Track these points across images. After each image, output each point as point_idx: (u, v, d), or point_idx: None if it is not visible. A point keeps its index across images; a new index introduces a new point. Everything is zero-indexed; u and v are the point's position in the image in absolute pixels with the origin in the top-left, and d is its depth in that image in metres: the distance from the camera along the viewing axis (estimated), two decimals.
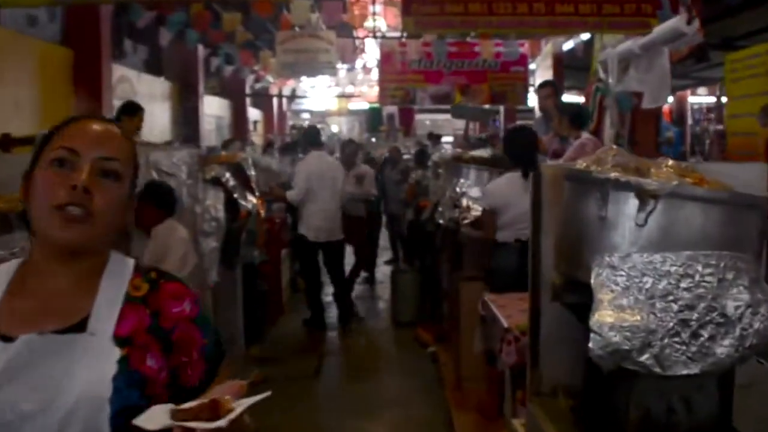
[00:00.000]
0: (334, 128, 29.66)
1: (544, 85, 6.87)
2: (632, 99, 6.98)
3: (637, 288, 2.26)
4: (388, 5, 15.33)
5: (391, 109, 23.14)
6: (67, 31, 11.62)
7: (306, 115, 27.60)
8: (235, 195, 5.77)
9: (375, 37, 16.32)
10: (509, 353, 3.56)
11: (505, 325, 3.66)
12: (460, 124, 24.85)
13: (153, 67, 16.00)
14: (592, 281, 2.32)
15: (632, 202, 2.30)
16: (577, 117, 5.91)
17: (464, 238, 5.62)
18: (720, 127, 16.12)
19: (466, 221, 5.48)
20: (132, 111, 7.48)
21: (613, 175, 2.36)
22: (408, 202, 8.94)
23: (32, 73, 10.22)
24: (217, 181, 5.74)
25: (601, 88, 7.68)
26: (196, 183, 5.58)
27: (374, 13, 15.82)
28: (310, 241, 7.73)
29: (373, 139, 23.46)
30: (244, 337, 6.82)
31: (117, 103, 13.53)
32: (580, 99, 18.86)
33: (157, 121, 15.50)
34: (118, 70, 13.73)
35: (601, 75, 7.60)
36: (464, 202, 5.51)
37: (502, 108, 20.49)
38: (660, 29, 5.74)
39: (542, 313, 3.01)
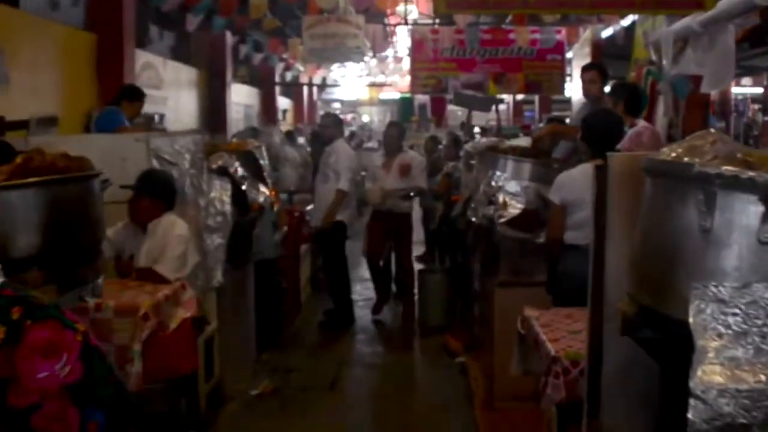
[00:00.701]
0: (365, 118, 29.09)
1: (589, 68, 6.08)
2: (689, 84, 6.18)
3: (760, 334, 1.54)
4: None
5: (423, 98, 22.36)
6: (90, 15, 11.12)
7: (337, 105, 26.92)
8: (244, 186, 5.09)
9: (406, 23, 15.58)
10: (556, 388, 2.82)
11: (552, 352, 2.92)
12: (493, 114, 24.10)
13: (180, 54, 15.41)
14: (690, 319, 1.60)
15: (753, 210, 1.58)
16: (633, 101, 5.12)
17: (500, 238, 4.89)
18: None
19: (503, 219, 4.73)
20: (132, 96, 6.82)
21: (724, 169, 1.62)
22: (439, 195, 8.24)
23: (53, 58, 9.69)
24: (224, 171, 5.06)
25: (653, 71, 6.85)
26: (200, 173, 4.91)
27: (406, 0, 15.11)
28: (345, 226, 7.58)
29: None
30: (257, 342, 6.15)
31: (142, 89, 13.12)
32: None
33: (184, 108, 14.93)
34: (143, 57, 13.16)
35: (653, 57, 6.78)
36: (501, 197, 4.76)
37: (537, 97, 19.68)
38: (725, 2, 4.96)
39: (605, 347, 2.27)
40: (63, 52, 9.87)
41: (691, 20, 5.62)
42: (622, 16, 12.33)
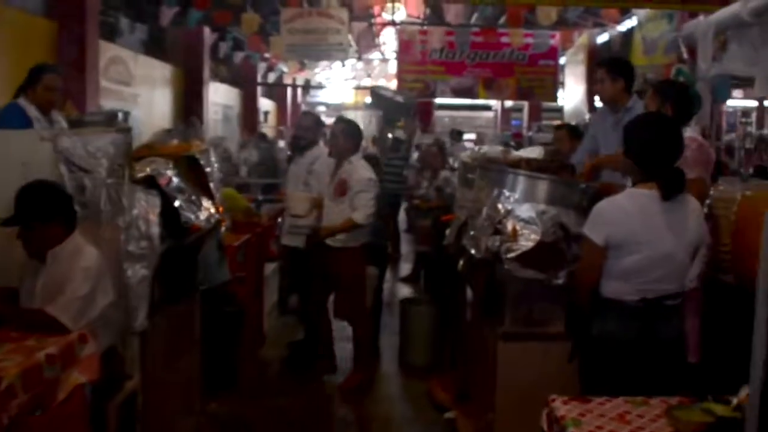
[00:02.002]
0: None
1: (610, 65, 4.83)
2: (731, 86, 4.99)
3: None
4: None
5: None
6: (50, 1, 9.86)
7: (321, 108, 25.59)
8: (178, 202, 3.82)
9: (393, 24, 14.36)
10: None
11: None
12: (483, 120, 22.94)
13: (154, 49, 14.12)
14: None
15: None
16: (683, 104, 3.84)
17: (507, 277, 3.66)
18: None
19: (511, 254, 3.50)
20: (31, 80, 5.07)
21: None
22: (427, 211, 7.01)
23: (8, 47, 8.60)
24: (152, 183, 3.79)
25: (684, 71, 5.62)
26: (121, 183, 3.64)
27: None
28: None
29: (390, 135, 21.47)
30: (203, 388, 4.88)
31: (108, 84, 11.84)
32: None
33: (157, 107, 13.64)
34: (111, 50, 11.89)
35: (684, 54, 5.57)
36: (509, 225, 3.53)
37: (526, 105, 18.49)
38: None
39: None
40: (19, 41, 8.79)
41: (739, 8, 4.43)
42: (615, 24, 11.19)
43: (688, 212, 3.09)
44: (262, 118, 19.39)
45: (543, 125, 16.45)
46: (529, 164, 3.67)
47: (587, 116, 12.90)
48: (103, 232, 3.55)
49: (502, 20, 14.69)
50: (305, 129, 6.59)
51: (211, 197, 4.30)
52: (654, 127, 3.12)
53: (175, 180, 3.96)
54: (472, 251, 3.71)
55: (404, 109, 10.39)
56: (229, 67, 17.72)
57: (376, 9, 14.47)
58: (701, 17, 5.19)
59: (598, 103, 16.20)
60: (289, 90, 22.24)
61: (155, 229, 3.68)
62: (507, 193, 3.63)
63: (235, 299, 5.39)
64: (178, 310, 4.38)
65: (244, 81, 17.95)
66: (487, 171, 3.83)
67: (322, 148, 6.40)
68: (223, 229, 4.43)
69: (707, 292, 3.72)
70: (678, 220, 3.04)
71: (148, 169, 3.86)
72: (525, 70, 14.49)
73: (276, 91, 21.35)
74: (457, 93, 14.73)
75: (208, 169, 4.37)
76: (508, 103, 20.09)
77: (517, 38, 13.06)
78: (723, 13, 4.72)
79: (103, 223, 3.55)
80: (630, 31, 12.86)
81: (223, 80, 17.72)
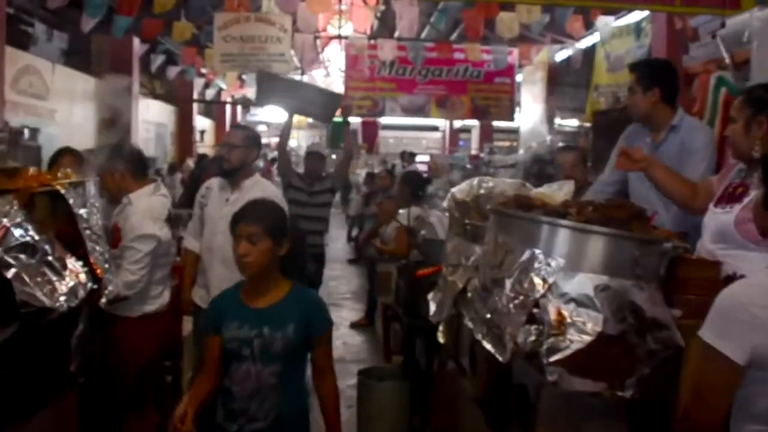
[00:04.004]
0: (293, 143, 25.98)
1: (642, 70, 3.47)
2: None
3: None
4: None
5: (354, 123, 19.73)
6: None
7: (262, 128, 23.94)
8: (13, 271, 2.30)
9: (340, 37, 12.94)
10: None
11: None
12: (431, 141, 21.62)
13: (75, 59, 12.45)
14: None
15: None
16: None
17: (548, 391, 2.25)
18: None
19: (556, 356, 2.08)
20: None
21: None
22: (392, 255, 5.57)
23: None
24: None
25: (725, 79, 4.29)
26: None
27: (340, 11, 12.45)
28: None
29: (334, 156, 19.97)
30: None
31: (18, 98, 10.19)
32: (573, 123, 15.72)
33: (78, 124, 11.95)
34: (23, 59, 10.25)
35: (726, 57, 4.25)
36: (551, 308, 2.12)
37: (478, 125, 17.21)
38: None
39: None
40: None
41: None
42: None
43: None
44: (198, 137, 17.75)
45: (495, 147, 15.19)
46: (583, 211, 2.26)
47: (548, 138, 11.67)
48: None
49: (455, 35, 13.44)
50: (234, 147, 4.40)
51: (83, 254, 2.77)
52: None
53: (17, 232, 2.43)
54: (491, 348, 2.28)
55: (326, 107, 5.99)
56: (162, 82, 16.09)
57: (321, 23, 13.07)
58: (755, 10, 3.88)
59: (567, 123, 14.92)
60: (228, 108, 20.59)
61: None
62: (544, 256, 2.20)
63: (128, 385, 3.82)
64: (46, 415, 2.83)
65: (178, 97, 16.29)
66: (507, 220, 2.40)
67: (259, 180, 4.53)
68: (103, 300, 2.90)
69: None
70: None
71: None
72: (480, 88, 13.26)
73: (214, 109, 19.70)
74: (408, 111, 13.40)
75: (82, 211, 2.84)
76: (457, 124, 18.82)
77: (474, 53, 11.77)
78: None
79: None
80: (592, 48, 11.76)
81: (155, 96, 16.09)
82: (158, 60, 14.21)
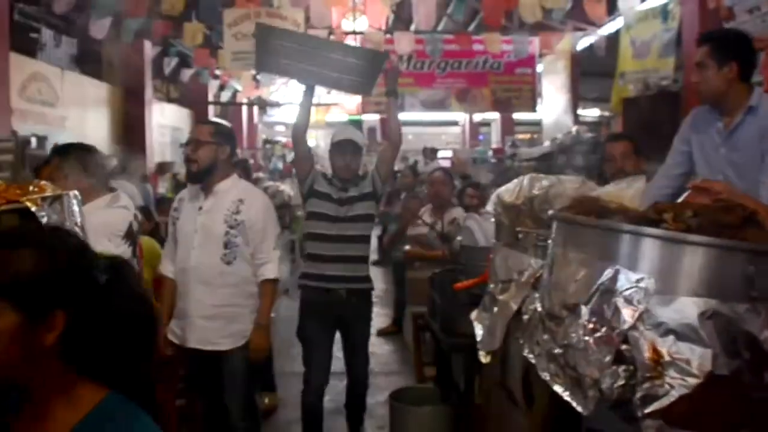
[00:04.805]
0: (311, 142, 25.40)
1: (715, 42, 2.96)
2: None
3: None
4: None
5: (372, 121, 19.24)
6: None
7: (280, 128, 23.53)
8: None
9: (355, 33, 12.44)
10: None
11: None
12: (450, 136, 21.08)
13: (86, 65, 12.05)
14: None
15: None
16: None
17: None
18: None
19: (654, 405, 1.60)
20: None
21: None
22: (416, 257, 5.08)
23: None
24: None
25: None
26: None
27: (354, 6, 11.96)
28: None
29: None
30: None
31: (27, 105, 9.81)
32: (594, 113, 15.14)
33: (90, 131, 11.57)
34: (31, 66, 9.87)
35: None
36: (644, 343, 1.64)
37: (498, 117, 16.67)
38: None
39: None
40: None
41: None
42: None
43: None
44: None
45: (517, 140, 14.65)
46: (680, 216, 1.76)
47: (573, 129, 11.14)
48: None
49: (473, 26, 12.92)
50: (202, 144, 3.65)
51: None
52: None
53: None
54: (565, 395, 1.79)
55: (361, 72, 4.07)
56: (176, 86, 15.69)
57: (335, 19, 12.60)
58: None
59: (588, 114, 14.37)
60: (244, 110, 20.17)
61: None
62: (631, 275, 1.71)
63: None
64: None
65: (193, 101, 15.89)
66: (578, 229, 1.90)
67: (245, 186, 3.84)
68: None
69: None
70: None
71: None
72: (501, 80, 12.74)
73: (230, 111, 19.29)
74: (428, 106, 12.89)
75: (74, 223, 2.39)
76: (477, 118, 18.27)
77: (494, 44, 11.21)
78: None
79: None
80: (616, 34, 11.18)
81: (170, 100, 15.69)
82: (171, 63, 13.81)
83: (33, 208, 2.30)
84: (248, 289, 3.60)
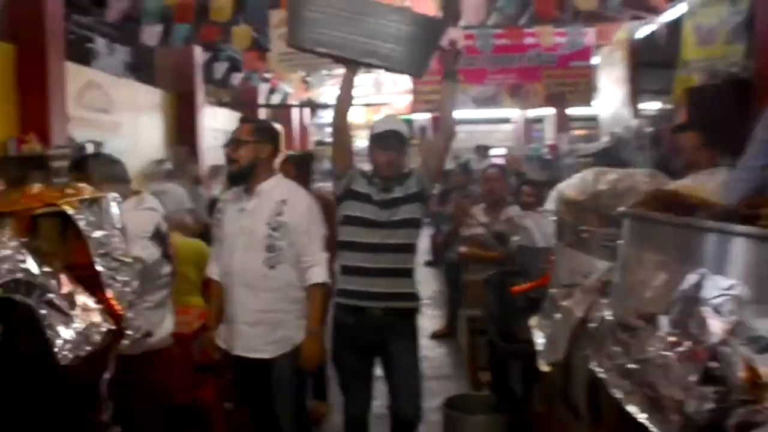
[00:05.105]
0: (362, 143, 25.08)
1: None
2: None
3: None
4: None
5: (423, 120, 18.99)
6: (6, 24, 8.03)
7: (330, 129, 23.39)
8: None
9: None
10: None
11: None
12: (502, 134, 20.71)
13: (138, 72, 12.14)
14: None
15: None
16: None
17: None
18: None
19: None
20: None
21: None
22: (473, 258, 4.81)
23: None
24: None
25: None
26: None
27: (402, 2, 11.76)
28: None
29: None
30: None
31: (83, 113, 9.88)
32: (655, 105, 14.62)
33: (144, 136, 11.64)
34: (87, 74, 9.94)
35: None
36: (738, 361, 1.41)
37: (551, 114, 16.26)
38: None
39: None
40: None
41: None
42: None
43: None
44: None
45: (573, 136, 14.26)
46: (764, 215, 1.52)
47: (634, 122, 10.74)
48: None
49: (524, 19, 12.59)
50: (243, 144, 3.51)
51: (98, 290, 2.19)
52: None
53: (4, 267, 1.87)
54: (641, 417, 1.57)
55: (413, 45, 3.47)
56: (227, 90, 15.74)
57: None
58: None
59: (648, 107, 13.88)
60: (295, 112, 20.15)
61: None
62: (719, 280, 1.48)
63: None
64: None
65: (244, 104, 15.93)
66: (653, 227, 1.67)
67: (295, 189, 3.61)
68: (125, 342, 2.28)
69: None
70: None
71: None
72: (554, 74, 12.40)
73: (281, 114, 19.30)
74: (479, 103, 12.63)
75: (98, 234, 2.25)
76: (530, 114, 17.88)
77: (546, 37, 10.88)
78: None
79: None
80: (678, 21, 10.74)
81: (222, 104, 15.74)
82: (222, 68, 13.85)
83: (70, 211, 2.19)
84: (293, 294, 3.42)
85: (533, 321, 2.50)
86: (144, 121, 11.86)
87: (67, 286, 2.09)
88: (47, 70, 7.99)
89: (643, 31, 11.49)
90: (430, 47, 3.51)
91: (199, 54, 13.10)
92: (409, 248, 3.61)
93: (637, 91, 11.95)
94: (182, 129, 12.94)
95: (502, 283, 3.36)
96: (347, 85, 3.57)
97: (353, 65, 3.51)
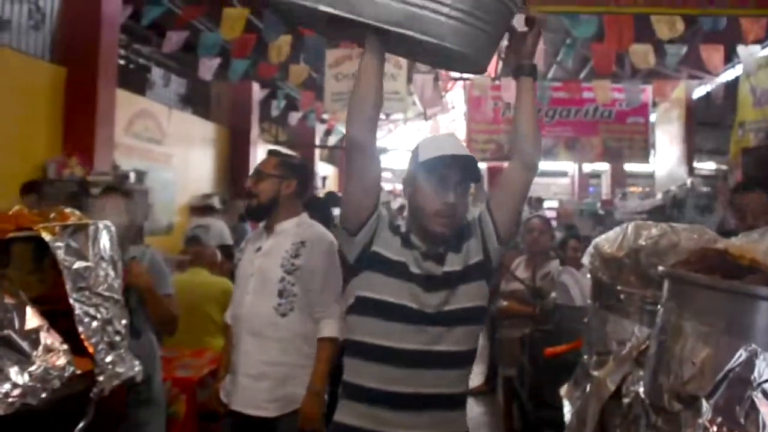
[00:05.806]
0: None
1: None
2: None
3: None
4: None
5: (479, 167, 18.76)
6: (59, 46, 8.24)
7: (386, 174, 23.35)
8: None
9: (463, 78, 12.14)
10: None
11: None
12: (558, 187, 20.32)
13: (194, 104, 12.22)
14: None
15: None
16: None
17: None
18: None
19: None
20: None
21: None
22: (510, 313, 4.49)
23: (10, 92, 7.19)
24: None
25: None
26: None
27: None
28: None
29: None
30: None
31: (133, 141, 9.92)
32: (710, 165, 14.20)
33: (194, 169, 11.66)
34: (139, 103, 10.01)
35: None
36: None
37: (607, 170, 15.92)
38: None
39: None
40: (21, 86, 7.37)
41: None
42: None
43: None
44: (319, 182, 17.33)
45: (628, 192, 13.86)
46: None
47: (688, 181, 10.36)
48: None
49: (583, 74, 12.36)
50: (263, 178, 3.14)
51: (68, 327, 1.97)
52: None
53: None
54: None
55: (474, 31, 1.82)
56: (284, 129, 15.79)
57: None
58: None
59: (703, 166, 13.43)
60: None
61: None
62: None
63: None
64: None
65: (300, 143, 15.95)
66: (698, 291, 1.41)
67: (315, 230, 3.16)
68: (95, 391, 2.03)
69: None
70: None
71: None
72: (612, 129, 12.08)
73: (337, 156, 19.31)
74: None
75: (78, 265, 2.05)
76: (587, 169, 17.54)
77: (603, 92, 10.62)
78: None
79: None
80: (734, 82, 10.40)
81: (278, 142, 15.78)
82: (279, 106, 13.90)
83: (47, 237, 1.98)
84: (304, 348, 3.00)
85: (564, 390, 2.21)
86: (195, 154, 11.90)
87: (32, 322, 1.87)
88: (97, 96, 8.04)
89: (699, 91, 11.16)
90: (501, 29, 2.01)
91: (257, 91, 13.16)
92: (467, 359, 2.14)
93: (692, 150, 11.58)
94: (234, 165, 12.96)
95: (537, 343, 3.07)
96: (373, 68, 2.03)
97: (375, 38, 2.00)
